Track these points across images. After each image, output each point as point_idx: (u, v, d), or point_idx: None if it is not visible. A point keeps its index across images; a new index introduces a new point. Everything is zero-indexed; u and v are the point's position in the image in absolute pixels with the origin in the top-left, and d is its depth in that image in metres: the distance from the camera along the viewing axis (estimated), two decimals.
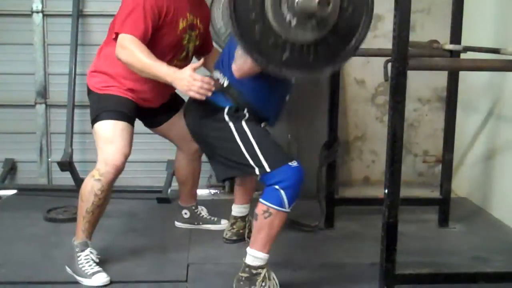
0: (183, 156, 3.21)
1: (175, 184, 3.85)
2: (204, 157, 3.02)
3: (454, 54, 3.17)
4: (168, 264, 2.88)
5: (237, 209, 3.16)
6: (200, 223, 3.36)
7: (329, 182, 3.34)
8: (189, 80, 2.43)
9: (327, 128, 3.29)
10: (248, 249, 2.52)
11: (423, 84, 4.22)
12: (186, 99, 2.81)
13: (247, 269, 2.51)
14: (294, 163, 2.44)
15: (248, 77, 2.48)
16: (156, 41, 2.68)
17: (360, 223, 3.46)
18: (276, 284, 2.52)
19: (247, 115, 2.53)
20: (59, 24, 3.97)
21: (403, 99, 2.27)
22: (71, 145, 3.74)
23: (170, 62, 2.65)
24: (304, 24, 2.17)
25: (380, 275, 2.38)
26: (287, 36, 2.19)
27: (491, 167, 3.68)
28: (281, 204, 2.41)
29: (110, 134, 2.70)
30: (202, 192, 3.94)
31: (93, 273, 2.63)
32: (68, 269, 2.71)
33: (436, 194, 3.71)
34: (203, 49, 3.04)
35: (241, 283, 2.51)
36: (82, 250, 2.69)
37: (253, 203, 2.88)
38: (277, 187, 2.41)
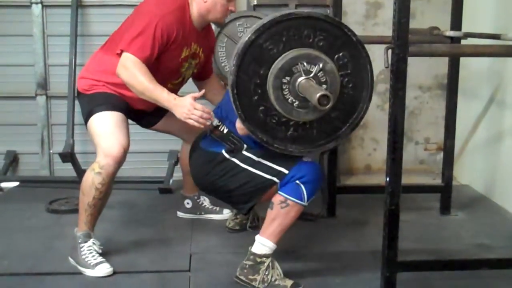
0: (188, 147, 3.19)
1: (177, 174, 3.86)
2: None
3: (455, 40, 3.16)
4: (170, 254, 2.88)
5: None
6: (202, 213, 3.36)
7: (331, 170, 3.35)
8: (190, 109, 2.49)
9: None
10: (257, 237, 2.52)
11: (424, 71, 4.20)
12: None
13: (251, 257, 2.51)
14: (308, 159, 2.48)
15: None
16: (154, 63, 2.68)
17: (361, 211, 3.46)
18: (280, 273, 2.52)
19: (245, 145, 2.54)
20: (59, 15, 3.97)
21: (403, 86, 2.26)
22: (73, 136, 3.74)
23: (163, 84, 2.65)
24: (307, 106, 2.25)
25: (382, 262, 2.38)
26: (290, 116, 2.27)
27: (493, 153, 3.67)
28: (300, 198, 2.44)
29: (106, 126, 2.70)
30: None
31: (96, 264, 2.64)
32: (71, 260, 2.71)
33: (437, 181, 3.71)
34: (201, 75, 3.09)
35: (245, 270, 2.52)
36: (85, 241, 2.69)
37: None
38: (298, 182, 2.44)
